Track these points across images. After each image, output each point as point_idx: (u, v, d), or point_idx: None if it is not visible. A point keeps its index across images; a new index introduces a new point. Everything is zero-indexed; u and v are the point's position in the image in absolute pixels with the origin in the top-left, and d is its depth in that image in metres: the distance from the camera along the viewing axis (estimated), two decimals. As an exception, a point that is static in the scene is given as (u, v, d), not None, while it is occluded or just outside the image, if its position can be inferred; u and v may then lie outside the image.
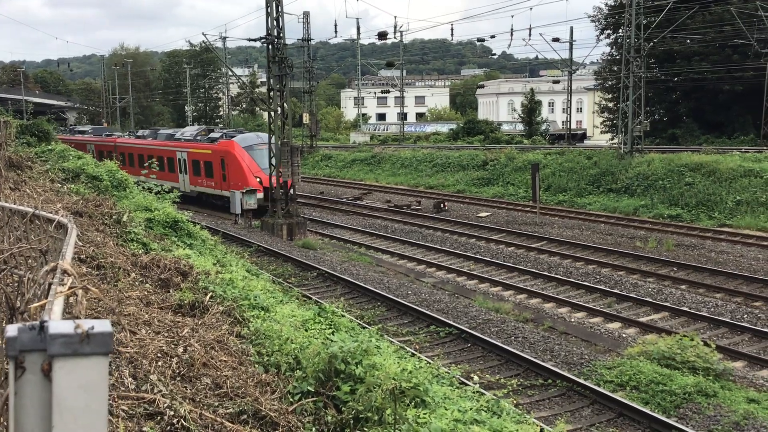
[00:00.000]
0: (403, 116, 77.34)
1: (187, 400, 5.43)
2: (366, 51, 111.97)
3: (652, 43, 42.32)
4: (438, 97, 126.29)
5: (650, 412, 12.23)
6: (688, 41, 50.75)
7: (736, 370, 14.83)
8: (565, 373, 14.16)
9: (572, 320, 18.78)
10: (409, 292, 20.86)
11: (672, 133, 53.82)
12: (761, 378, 14.56)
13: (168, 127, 67.58)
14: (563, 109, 75.87)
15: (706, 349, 14.51)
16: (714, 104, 51.71)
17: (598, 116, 66.88)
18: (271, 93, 32.23)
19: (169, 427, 4.96)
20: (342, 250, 28.43)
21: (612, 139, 57.26)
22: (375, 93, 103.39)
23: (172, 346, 6.37)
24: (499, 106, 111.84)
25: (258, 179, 35.13)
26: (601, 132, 66.75)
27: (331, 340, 7.34)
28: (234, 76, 63.80)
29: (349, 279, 22.11)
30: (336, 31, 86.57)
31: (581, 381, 13.70)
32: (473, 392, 11.14)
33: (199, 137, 41.39)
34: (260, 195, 34.31)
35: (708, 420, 12.08)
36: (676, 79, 53.29)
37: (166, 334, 6.70)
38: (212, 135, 41.20)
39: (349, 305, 19.48)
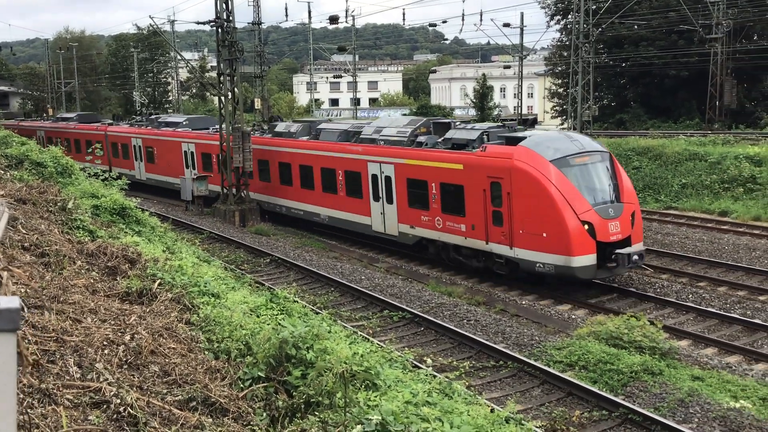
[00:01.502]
0: (356, 101, 77.07)
1: (135, 388, 5.36)
2: (318, 35, 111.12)
3: (600, 29, 42.89)
4: (391, 83, 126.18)
5: (598, 391, 12.51)
6: (636, 27, 51.55)
7: (682, 349, 15.23)
8: (516, 355, 14.38)
9: (523, 302, 19.06)
10: (363, 278, 20.89)
11: (620, 117, 54.74)
12: (705, 356, 14.98)
13: (332, 118, 44.97)
14: (515, 94, 76.43)
15: (653, 329, 14.87)
16: (660, 89, 52.67)
17: (548, 101, 67.64)
18: (222, 78, 31.80)
19: (115, 416, 4.89)
20: (295, 236, 28.30)
21: (562, 123, 57.97)
22: (327, 78, 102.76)
23: (119, 334, 6.27)
24: (451, 92, 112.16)
25: (586, 226, 18.50)
26: (552, 117, 67.54)
27: (282, 326, 7.30)
28: (183, 61, 62.69)
29: (302, 265, 22.05)
30: (287, 15, 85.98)
31: (531, 362, 13.94)
32: (426, 375, 11.23)
33: (422, 138, 23.24)
34: (590, 260, 18.49)
35: (654, 398, 12.39)
36: (624, 64, 54.14)
37: (112, 322, 6.59)
38: (456, 134, 22.27)
39: (302, 291, 19.45)
